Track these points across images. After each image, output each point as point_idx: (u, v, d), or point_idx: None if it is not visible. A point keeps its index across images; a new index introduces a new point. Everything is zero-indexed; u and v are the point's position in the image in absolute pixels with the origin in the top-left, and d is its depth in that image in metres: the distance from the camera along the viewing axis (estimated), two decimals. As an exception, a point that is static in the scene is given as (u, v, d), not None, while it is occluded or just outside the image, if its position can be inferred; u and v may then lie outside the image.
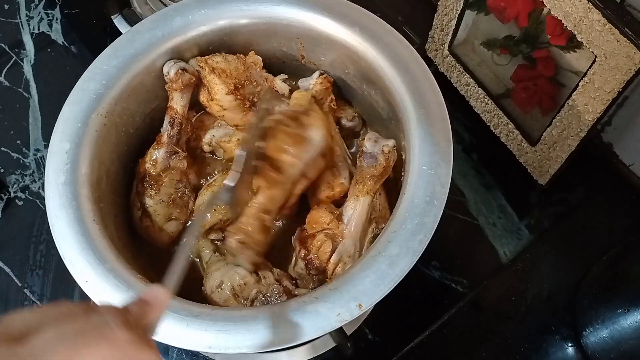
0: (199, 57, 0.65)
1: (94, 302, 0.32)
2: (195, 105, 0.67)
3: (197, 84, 0.65)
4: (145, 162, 0.64)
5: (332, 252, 0.58)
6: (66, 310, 0.30)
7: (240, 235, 0.56)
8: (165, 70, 0.64)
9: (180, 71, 0.63)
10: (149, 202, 0.62)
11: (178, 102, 0.64)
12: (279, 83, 0.68)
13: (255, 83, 0.66)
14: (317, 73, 0.67)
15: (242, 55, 0.67)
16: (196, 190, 0.66)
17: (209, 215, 0.62)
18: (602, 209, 0.81)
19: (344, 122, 0.69)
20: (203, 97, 0.66)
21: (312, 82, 0.66)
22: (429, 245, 0.51)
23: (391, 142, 0.61)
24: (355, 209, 0.59)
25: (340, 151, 0.64)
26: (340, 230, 0.59)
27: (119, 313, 0.31)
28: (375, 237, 0.60)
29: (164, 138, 0.64)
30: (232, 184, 0.53)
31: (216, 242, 0.64)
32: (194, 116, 0.69)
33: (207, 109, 0.67)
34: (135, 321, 0.32)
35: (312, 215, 0.60)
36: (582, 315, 0.71)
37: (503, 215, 0.81)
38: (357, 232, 0.59)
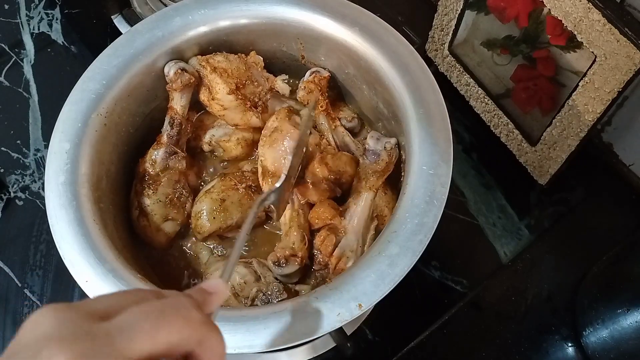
0: (200, 57, 0.65)
1: (161, 290, 0.35)
2: (195, 105, 0.67)
3: (197, 84, 0.65)
4: (144, 162, 0.64)
5: (335, 246, 0.58)
6: (142, 295, 0.32)
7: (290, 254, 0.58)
8: (165, 70, 0.64)
9: (179, 71, 0.63)
10: (146, 201, 0.62)
11: (178, 102, 0.64)
12: (280, 83, 0.68)
13: (256, 83, 0.66)
14: (308, 73, 0.67)
15: (243, 55, 0.67)
16: (195, 191, 0.66)
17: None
18: (602, 209, 0.81)
19: (344, 122, 0.69)
20: (203, 96, 0.66)
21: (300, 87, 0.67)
22: (429, 245, 0.51)
23: (393, 140, 0.62)
24: (358, 205, 0.60)
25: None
26: (343, 226, 0.59)
27: (190, 297, 0.33)
28: (377, 234, 0.60)
29: (164, 138, 0.64)
30: (279, 185, 0.55)
31: (212, 247, 0.64)
32: (195, 116, 0.69)
33: (207, 109, 0.67)
34: (200, 307, 0.33)
35: (315, 211, 0.61)
36: (582, 315, 0.71)
37: (503, 215, 0.81)
38: (359, 227, 0.59)
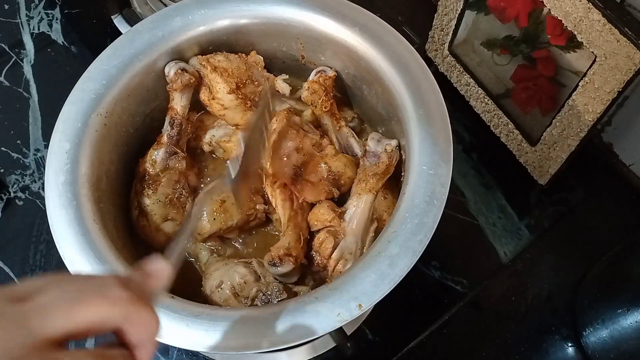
0: (200, 56, 0.65)
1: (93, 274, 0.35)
2: (195, 105, 0.67)
3: (197, 84, 0.65)
4: (144, 162, 0.64)
5: (334, 248, 0.58)
6: (69, 276, 0.32)
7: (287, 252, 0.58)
8: (166, 70, 0.64)
9: (180, 71, 0.63)
10: (146, 201, 0.62)
11: (178, 103, 0.64)
12: (280, 83, 0.68)
13: (256, 82, 0.66)
14: (313, 72, 0.67)
15: (243, 54, 0.67)
16: (195, 191, 0.66)
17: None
18: (602, 209, 0.81)
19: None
20: (204, 96, 0.66)
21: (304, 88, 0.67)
22: (429, 245, 0.51)
23: (394, 142, 0.62)
24: (358, 207, 0.60)
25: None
26: (342, 228, 0.59)
27: (119, 278, 0.33)
28: (377, 236, 0.60)
29: (164, 138, 0.64)
30: (232, 174, 0.54)
31: (212, 249, 0.64)
32: (195, 117, 0.69)
33: (207, 108, 0.67)
34: (135, 287, 0.34)
35: (314, 212, 0.61)
36: (582, 315, 0.71)
37: (503, 215, 0.81)
38: (359, 230, 0.59)
